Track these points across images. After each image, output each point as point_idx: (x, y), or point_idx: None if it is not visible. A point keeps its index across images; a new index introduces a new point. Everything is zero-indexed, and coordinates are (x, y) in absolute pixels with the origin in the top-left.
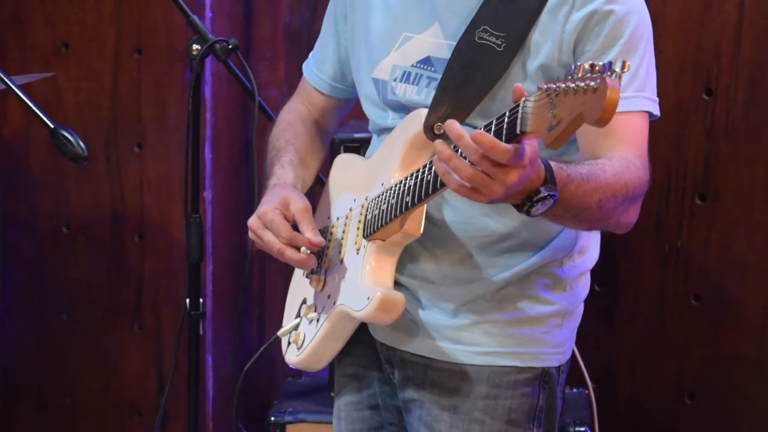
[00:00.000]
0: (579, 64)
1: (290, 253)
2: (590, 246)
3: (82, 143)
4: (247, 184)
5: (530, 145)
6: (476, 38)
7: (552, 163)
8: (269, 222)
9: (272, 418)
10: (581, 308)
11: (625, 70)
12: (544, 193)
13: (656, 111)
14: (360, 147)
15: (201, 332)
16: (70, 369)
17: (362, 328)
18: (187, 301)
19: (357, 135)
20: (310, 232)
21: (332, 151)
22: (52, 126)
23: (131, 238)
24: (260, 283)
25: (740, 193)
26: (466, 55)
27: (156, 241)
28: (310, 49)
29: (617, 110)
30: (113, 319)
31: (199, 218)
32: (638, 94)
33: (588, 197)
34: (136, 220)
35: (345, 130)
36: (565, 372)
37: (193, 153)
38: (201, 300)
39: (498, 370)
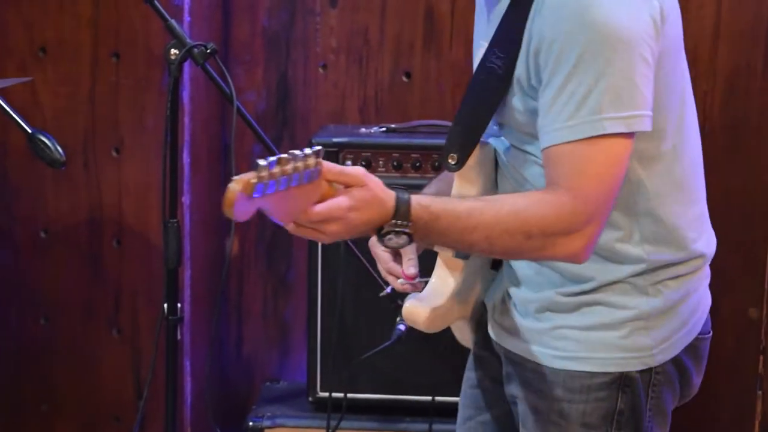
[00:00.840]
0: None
1: (390, 281)
2: (683, 248)
3: (59, 148)
4: (224, 189)
5: (324, 205)
6: (487, 62)
7: (418, 202)
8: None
9: (250, 423)
10: (683, 309)
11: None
12: (386, 228)
13: (628, 128)
14: (339, 151)
15: (179, 337)
16: (47, 374)
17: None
18: (165, 306)
19: (336, 139)
20: (406, 263)
21: None
22: (29, 131)
23: (109, 243)
24: (238, 288)
25: (717, 197)
26: (478, 78)
27: (134, 245)
28: (289, 53)
29: (559, 141)
30: (91, 324)
31: (177, 223)
32: (588, 119)
33: (469, 234)
34: (114, 224)
35: (323, 134)
36: (667, 373)
37: (171, 157)
38: (179, 305)
39: (572, 374)
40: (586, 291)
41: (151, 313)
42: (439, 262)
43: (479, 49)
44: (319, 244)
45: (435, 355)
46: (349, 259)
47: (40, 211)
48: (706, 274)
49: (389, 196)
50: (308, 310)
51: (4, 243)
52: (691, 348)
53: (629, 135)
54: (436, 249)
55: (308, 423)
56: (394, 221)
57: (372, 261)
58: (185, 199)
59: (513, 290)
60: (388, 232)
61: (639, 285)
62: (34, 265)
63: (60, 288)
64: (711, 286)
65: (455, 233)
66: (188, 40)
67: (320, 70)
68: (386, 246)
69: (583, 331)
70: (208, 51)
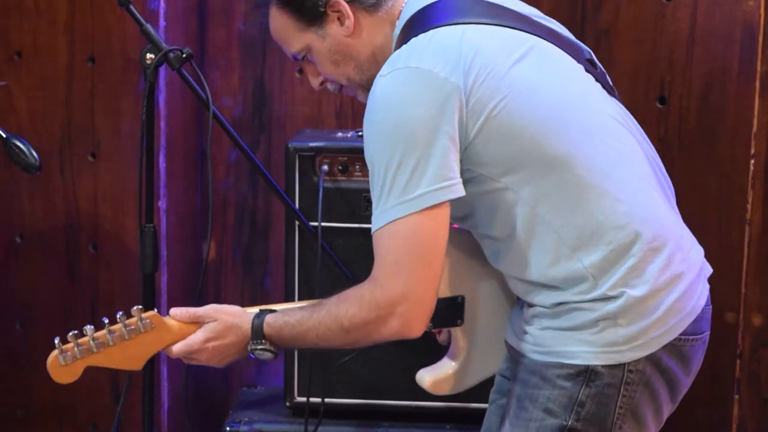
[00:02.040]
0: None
1: None
2: (621, 248)
3: (34, 153)
4: (201, 194)
5: (181, 343)
6: None
7: (266, 321)
8: None
9: (228, 428)
10: (653, 305)
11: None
12: (250, 348)
13: (415, 208)
14: (315, 156)
15: None
16: (23, 379)
17: None
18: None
19: (312, 144)
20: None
21: (287, 158)
22: (4, 136)
23: (85, 247)
24: (215, 294)
25: (693, 201)
26: None
27: (110, 250)
28: (264, 57)
29: (376, 227)
30: (67, 329)
31: (154, 228)
32: (377, 211)
33: (305, 336)
34: (91, 229)
35: (300, 139)
36: (643, 373)
37: (147, 162)
38: (155, 310)
39: (547, 364)
40: (564, 302)
41: None
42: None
43: None
44: (296, 250)
45: (412, 359)
46: (327, 263)
47: (16, 216)
48: (675, 269)
49: (245, 321)
50: None
51: None
52: (673, 348)
53: (423, 212)
54: None
55: (286, 428)
56: (253, 342)
57: (348, 265)
58: (162, 204)
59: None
60: (253, 350)
61: (599, 294)
62: (9, 270)
63: (36, 293)
64: None
65: (298, 340)
66: (164, 45)
67: (297, 74)
68: (257, 357)
69: (562, 331)
70: (184, 56)
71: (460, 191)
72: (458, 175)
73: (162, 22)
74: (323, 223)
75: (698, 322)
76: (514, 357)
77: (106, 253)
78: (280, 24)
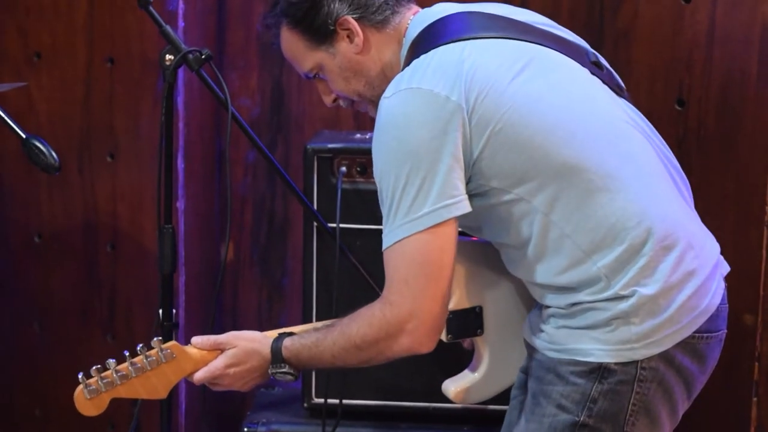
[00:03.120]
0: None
1: None
2: (632, 247)
3: (54, 153)
4: (219, 194)
5: (203, 370)
6: None
7: (285, 345)
8: None
9: (245, 429)
10: (665, 304)
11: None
12: (271, 371)
13: (421, 226)
14: (334, 157)
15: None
16: (41, 379)
17: None
18: (160, 311)
19: (330, 145)
20: None
21: (305, 159)
22: (24, 136)
23: (104, 248)
24: (233, 294)
25: (711, 202)
26: None
27: (128, 251)
28: (283, 58)
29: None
30: (85, 329)
31: (172, 228)
32: (387, 231)
33: (321, 356)
34: (109, 230)
35: (318, 140)
36: (656, 370)
37: (166, 163)
38: (174, 310)
39: (562, 361)
40: (579, 302)
41: (146, 319)
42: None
43: None
44: (314, 251)
45: (431, 361)
46: (345, 265)
47: (35, 216)
48: (687, 267)
49: (265, 345)
50: (303, 316)
51: None
52: (687, 346)
53: (429, 230)
54: None
55: (303, 429)
56: (273, 366)
57: (366, 266)
58: (180, 205)
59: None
60: (274, 374)
61: (611, 294)
62: (28, 270)
63: (54, 293)
64: None
65: (315, 360)
66: (183, 46)
67: None
68: (278, 380)
69: (577, 329)
70: (203, 57)
71: (465, 208)
72: (463, 192)
73: (181, 23)
74: (341, 225)
75: (713, 320)
76: (531, 354)
77: (125, 253)
78: (291, 44)
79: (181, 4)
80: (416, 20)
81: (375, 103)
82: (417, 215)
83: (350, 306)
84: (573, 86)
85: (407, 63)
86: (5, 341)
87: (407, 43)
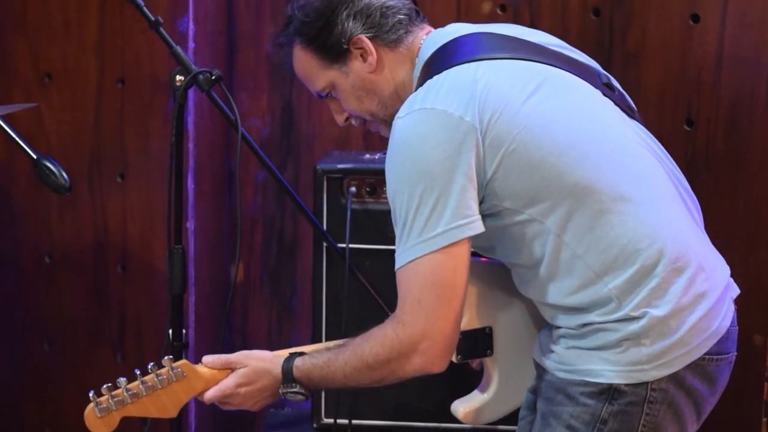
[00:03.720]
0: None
1: None
2: (644, 269)
3: (65, 174)
4: (229, 215)
5: (213, 389)
6: None
7: (296, 365)
8: None
9: None
10: (675, 325)
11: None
12: (281, 391)
13: (433, 247)
14: (343, 177)
15: None
16: (51, 399)
17: None
18: (170, 331)
19: (340, 166)
20: None
21: (315, 179)
22: (35, 156)
23: (114, 268)
24: (243, 314)
25: (721, 223)
26: None
27: (138, 271)
28: (292, 79)
29: (397, 267)
30: (95, 349)
31: (182, 249)
32: (399, 251)
33: (333, 377)
34: (119, 250)
35: (328, 161)
36: (666, 392)
37: (176, 183)
38: (184, 331)
39: (572, 382)
40: (589, 323)
41: (156, 339)
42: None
43: None
44: (324, 271)
45: (440, 381)
46: (354, 285)
47: (45, 236)
48: (697, 289)
49: (276, 365)
50: (313, 336)
51: (9, 268)
52: (697, 368)
53: (443, 250)
54: None
55: None
56: (284, 386)
57: (376, 287)
58: (190, 225)
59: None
60: (285, 393)
61: (622, 315)
62: (38, 290)
63: (64, 313)
64: None
65: (327, 380)
66: (193, 67)
67: None
68: (288, 399)
69: (587, 350)
70: (213, 77)
71: (478, 228)
72: (476, 212)
73: (191, 44)
74: (351, 245)
75: (723, 342)
76: (540, 374)
77: (135, 273)
78: (304, 63)
79: (191, 26)
80: (429, 40)
81: (387, 122)
82: (430, 235)
83: (360, 326)
84: (585, 107)
85: (420, 83)
86: (16, 360)
87: (420, 62)
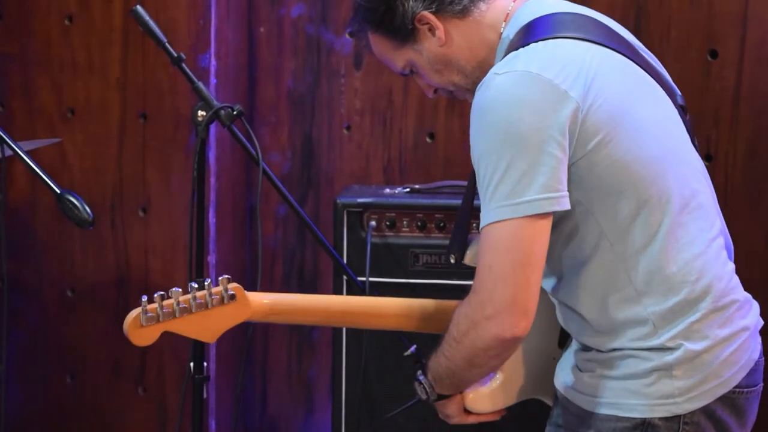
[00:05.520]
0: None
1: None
2: (687, 302)
3: (88, 208)
4: (250, 249)
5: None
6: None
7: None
8: None
9: None
10: (710, 359)
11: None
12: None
13: (516, 213)
14: (363, 211)
15: (204, 396)
16: (73, 430)
17: None
18: (192, 364)
19: (360, 200)
20: None
21: (335, 213)
22: (58, 191)
23: (136, 301)
24: (263, 347)
25: (739, 260)
26: (469, 181)
27: None
28: (313, 114)
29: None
30: (117, 382)
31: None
32: (484, 213)
33: (438, 360)
34: (141, 284)
35: (348, 195)
36: (698, 425)
37: (198, 217)
38: (205, 364)
39: (602, 417)
40: (619, 348)
41: (177, 372)
42: None
43: None
44: None
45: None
46: None
47: (68, 270)
48: (738, 323)
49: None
50: (333, 369)
51: (33, 301)
52: (727, 400)
53: (526, 218)
54: None
55: None
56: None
57: None
58: (211, 259)
59: (572, 346)
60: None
61: (657, 344)
62: (61, 324)
63: (86, 346)
64: None
65: (436, 365)
66: (215, 102)
67: (345, 131)
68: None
69: (616, 380)
70: (235, 112)
71: (566, 204)
72: (566, 188)
73: (213, 80)
74: (371, 278)
75: (752, 374)
76: (566, 406)
77: None
78: (380, 47)
79: (213, 61)
80: (526, 7)
81: (471, 91)
82: (516, 201)
83: (380, 359)
84: (670, 125)
85: (515, 47)
86: (38, 393)
87: (515, 27)
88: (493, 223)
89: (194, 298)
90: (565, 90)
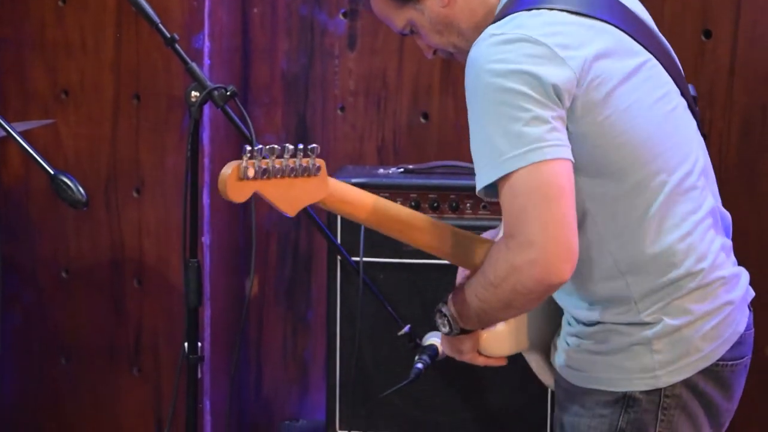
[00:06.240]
0: None
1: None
2: (670, 281)
3: (81, 189)
4: (244, 229)
5: None
6: None
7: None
8: None
9: None
10: (689, 334)
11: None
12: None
13: (527, 161)
14: None
15: (199, 376)
16: (68, 413)
17: None
18: (186, 345)
19: (354, 180)
20: None
21: None
22: (52, 172)
23: (130, 282)
24: (258, 328)
25: (733, 237)
26: None
27: (155, 285)
28: (307, 95)
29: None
30: (112, 363)
31: (198, 263)
32: (494, 165)
33: (470, 300)
34: (135, 264)
35: (342, 175)
36: (679, 398)
37: (192, 198)
38: (199, 344)
39: (586, 391)
40: (602, 322)
41: (172, 353)
42: None
43: None
44: (338, 285)
45: (454, 393)
46: (368, 298)
47: (62, 251)
48: (721, 299)
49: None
50: (327, 349)
51: (26, 282)
52: (710, 374)
53: (549, 161)
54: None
55: None
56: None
57: (390, 300)
58: (205, 239)
59: (563, 320)
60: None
61: (637, 320)
62: (55, 305)
63: (81, 327)
64: None
65: (466, 305)
66: (209, 83)
67: (339, 111)
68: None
69: (599, 355)
70: (228, 93)
71: (570, 155)
72: (568, 142)
73: (207, 61)
74: (365, 258)
75: (738, 347)
76: (558, 381)
77: (151, 287)
78: (380, 5)
79: (206, 42)
80: None
81: None
82: (525, 149)
83: (374, 339)
84: (667, 107)
85: (515, 11)
86: (32, 375)
87: None
88: (512, 173)
89: (288, 161)
90: (562, 59)
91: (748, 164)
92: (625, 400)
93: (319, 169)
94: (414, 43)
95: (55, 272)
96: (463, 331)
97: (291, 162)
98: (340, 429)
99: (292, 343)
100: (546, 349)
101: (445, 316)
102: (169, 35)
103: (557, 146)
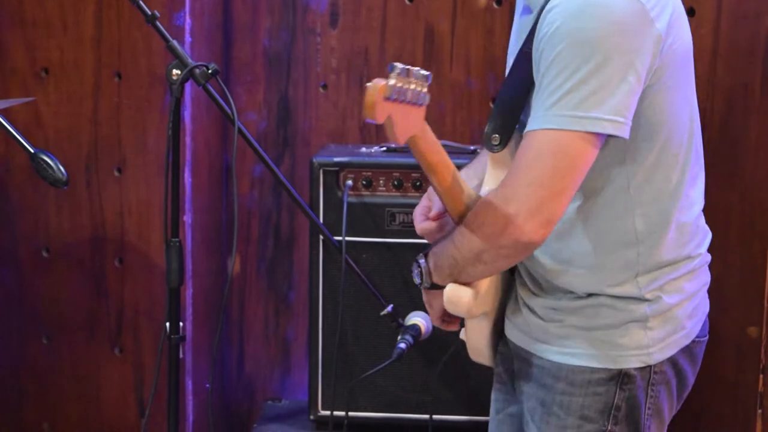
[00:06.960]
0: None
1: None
2: (673, 260)
3: (62, 168)
4: (226, 208)
5: None
6: (525, 48)
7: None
8: None
9: None
10: (680, 313)
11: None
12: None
13: (582, 128)
14: (339, 171)
15: (181, 356)
16: (49, 393)
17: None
18: (167, 324)
19: (336, 159)
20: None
21: (311, 173)
22: (32, 151)
23: (111, 261)
24: (240, 307)
25: (716, 216)
26: (517, 66)
27: (136, 264)
28: (289, 73)
29: (528, 129)
30: (93, 342)
31: (179, 242)
32: (540, 114)
33: (446, 245)
34: (116, 244)
35: (324, 154)
36: (664, 374)
37: (173, 177)
38: (181, 324)
39: (575, 369)
40: (593, 295)
41: (153, 332)
42: None
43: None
44: (320, 264)
45: (435, 373)
46: (351, 277)
47: (43, 230)
48: (702, 280)
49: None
50: (309, 329)
51: (7, 262)
52: (687, 350)
53: (584, 134)
54: None
55: None
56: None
57: (372, 279)
58: (187, 218)
59: (524, 291)
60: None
61: (637, 295)
62: (36, 284)
63: (62, 307)
64: (710, 304)
65: (441, 251)
66: (190, 61)
67: (321, 89)
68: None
69: (589, 331)
70: (210, 71)
71: (626, 133)
72: (631, 118)
73: (188, 38)
74: (347, 238)
75: (705, 324)
76: (526, 359)
77: (132, 267)
78: None
79: (188, 20)
80: None
81: None
82: (581, 114)
83: (356, 318)
84: (693, 83)
85: None
86: (13, 354)
87: None
88: (548, 129)
89: (418, 88)
90: (652, 18)
91: (731, 143)
92: (620, 377)
93: (426, 102)
94: (396, 20)
95: (35, 251)
96: (434, 286)
97: (422, 89)
98: (323, 409)
99: (274, 323)
100: (499, 321)
101: (419, 267)
102: (149, 12)
103: (615, 122)
